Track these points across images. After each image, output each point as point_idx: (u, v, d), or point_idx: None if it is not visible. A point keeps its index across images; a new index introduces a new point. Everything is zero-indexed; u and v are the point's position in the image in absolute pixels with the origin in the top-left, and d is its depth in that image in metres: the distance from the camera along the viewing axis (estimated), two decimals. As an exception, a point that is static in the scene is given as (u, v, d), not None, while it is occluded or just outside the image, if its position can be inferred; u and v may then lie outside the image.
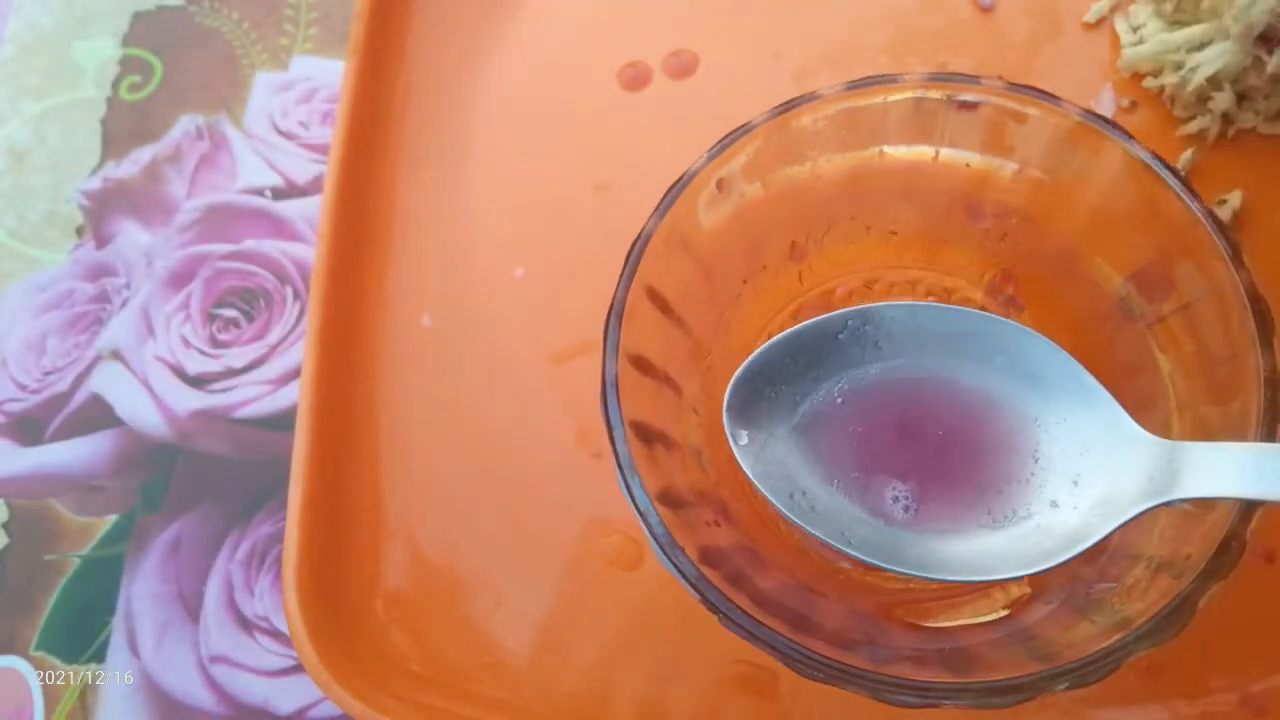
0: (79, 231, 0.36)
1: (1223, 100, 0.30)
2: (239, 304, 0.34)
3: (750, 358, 0.21)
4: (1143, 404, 0.23)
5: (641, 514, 0.20)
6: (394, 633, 0.29)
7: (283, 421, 0.32)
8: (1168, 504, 0.19)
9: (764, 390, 0.21)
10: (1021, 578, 0.20)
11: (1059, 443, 0.20)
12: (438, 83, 0.35)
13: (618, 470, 0.21)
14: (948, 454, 0.21)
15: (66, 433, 0.33)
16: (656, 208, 0.23)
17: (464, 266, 0.32)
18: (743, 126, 0.23)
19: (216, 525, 0.32)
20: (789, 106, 0.23)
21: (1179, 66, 0.31)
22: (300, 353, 0.33)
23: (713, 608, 0.20)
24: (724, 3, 0.35)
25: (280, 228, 0.35)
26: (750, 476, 0.20)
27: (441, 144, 0.34)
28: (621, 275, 0.22)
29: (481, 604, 0.29)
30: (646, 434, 0.22)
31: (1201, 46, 0.30)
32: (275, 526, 0.31)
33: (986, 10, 0.33)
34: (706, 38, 0.34)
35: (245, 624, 0.31)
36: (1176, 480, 0.19)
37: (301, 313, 0.34)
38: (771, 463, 0.20)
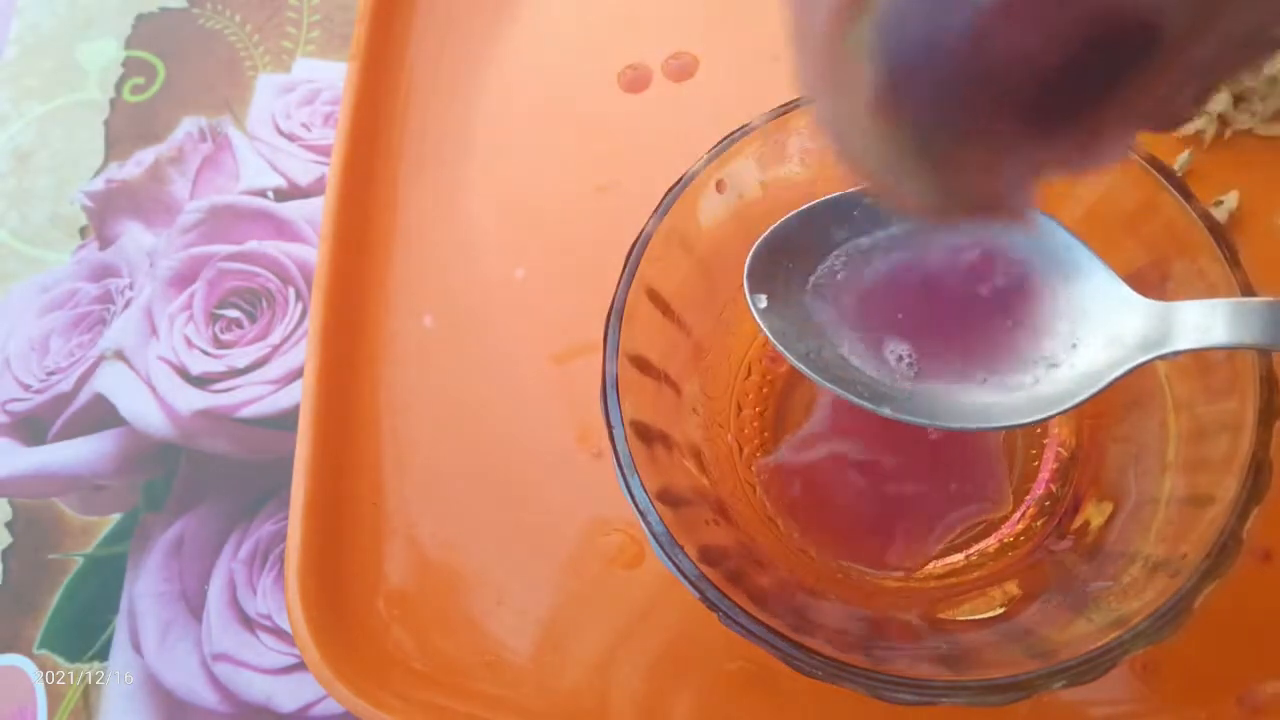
0: (82, 232, 0.36)
1: (1219, 102, 0.30)
2: (242, 304, 0.34)
3: (770, 229, 0.22)
4: (1138, 403, 0.23)
5: (641, 513, 0.20)
6: (396, 630, 0.29)
7: (285, 421, 0.33)
8: (1162, 357, 0.19)
9: (781, 260, 0.22)
10: (1023, 425, 0.21)
11: (1058, 307, 0.21)
12: (439, 85, 0.35)
13: (618, 470, 0.21)
14: (951, 318, 0.21)
15: (70, 432, 0.33)
16: (656, 208, 0.23)
17: (465, 267, 0.33)
18: (742, 128, 0.23)
19: (219, 524, 0.32)
20: (788, 108, 0.23)
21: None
22: (302, 353, 0.33)
23: (712, 606, 0.20)
24: (723, 6, 0.35)
25: (283, 229, 0.35)
26: (769, 335, 0.21)
27: (443, 145, 0.34)
28: (621, 276, 0.22)
29: (483, 602, 0.29)
30: (646, 434, 0.22)
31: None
32: (278, 525, 0.31)
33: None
34: (706, 40, 0.34)
35: (248, 622, 0.31)
36: (1170, 335, 0.19)
37: (304, 313, 0.34)
38: (787, 324, 0.22)
